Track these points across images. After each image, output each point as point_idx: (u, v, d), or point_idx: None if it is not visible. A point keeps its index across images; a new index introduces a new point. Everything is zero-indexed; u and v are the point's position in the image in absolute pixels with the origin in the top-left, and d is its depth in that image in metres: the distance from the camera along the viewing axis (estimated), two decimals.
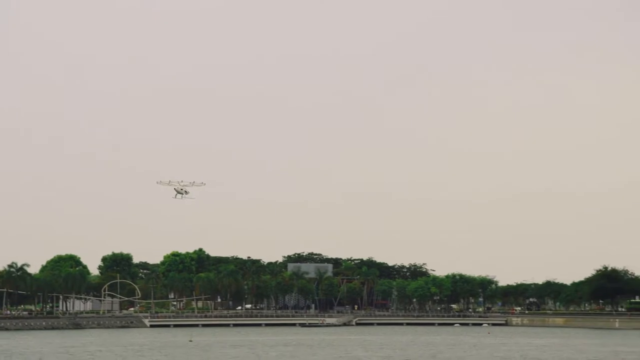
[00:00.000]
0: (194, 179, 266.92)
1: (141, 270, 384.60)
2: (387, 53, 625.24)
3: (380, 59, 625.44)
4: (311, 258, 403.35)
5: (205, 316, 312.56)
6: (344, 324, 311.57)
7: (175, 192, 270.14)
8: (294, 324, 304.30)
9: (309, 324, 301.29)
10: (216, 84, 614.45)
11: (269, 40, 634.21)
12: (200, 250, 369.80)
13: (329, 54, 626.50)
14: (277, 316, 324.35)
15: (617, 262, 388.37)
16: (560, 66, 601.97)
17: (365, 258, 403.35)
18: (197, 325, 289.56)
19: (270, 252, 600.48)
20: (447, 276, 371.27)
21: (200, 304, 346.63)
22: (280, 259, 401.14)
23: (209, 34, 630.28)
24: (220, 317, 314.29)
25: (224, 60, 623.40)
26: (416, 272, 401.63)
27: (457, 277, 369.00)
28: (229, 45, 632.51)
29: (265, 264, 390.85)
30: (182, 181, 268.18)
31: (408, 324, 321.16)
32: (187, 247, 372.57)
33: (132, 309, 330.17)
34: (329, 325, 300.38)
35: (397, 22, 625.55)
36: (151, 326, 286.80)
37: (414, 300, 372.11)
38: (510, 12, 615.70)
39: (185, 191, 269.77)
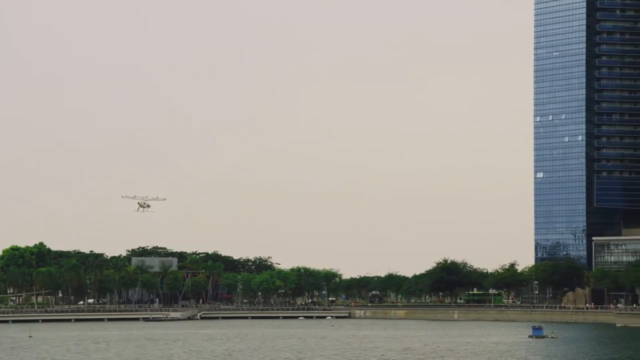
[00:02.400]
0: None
1: None
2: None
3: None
4: (156, 252, 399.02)
5: (46, 311, 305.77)
6: (189, 318, 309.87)
7: (138, 206, 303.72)
8: (137, 319, 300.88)
9: (153, 318, 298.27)
10: None
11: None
12: (41, 244, 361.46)
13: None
14: (120, 311, 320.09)
15: (456, 255, 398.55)
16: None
17: (210, 252, 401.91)
18: (37, 321, 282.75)
19: (113, 246, 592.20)
20: (292, 270, 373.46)
21: (40, 299, 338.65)
22: (124, 253, 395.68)
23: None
24: (62, 312, 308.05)
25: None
26: (261, 266, 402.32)
27: (302, 270, 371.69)
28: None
29: (108, 258, 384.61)
30: (146, 197, 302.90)
31: (253, 317, 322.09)
32: (26, 241, 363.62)
33: None
34: (173, 319, 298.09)
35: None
36: None
37: (259, 293, 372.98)
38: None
39: (147, 205, 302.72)
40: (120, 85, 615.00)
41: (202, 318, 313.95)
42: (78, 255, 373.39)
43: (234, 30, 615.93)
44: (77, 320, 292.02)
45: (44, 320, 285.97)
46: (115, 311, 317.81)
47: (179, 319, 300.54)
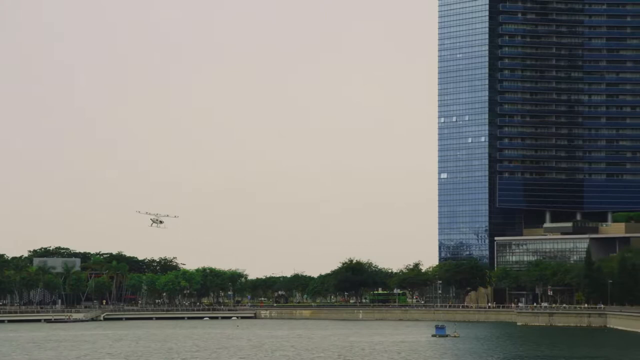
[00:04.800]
0: None
1: None
2: None
3: None
4: (58, 252, 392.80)
5: None
6: (92, 319, 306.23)
7: (151, 222, 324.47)
8: (39, 320, 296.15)
9: (55, 319, 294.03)
10: None
11: None
12: None
13: None
14: (22, 312, 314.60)
15: (362, 255, 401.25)
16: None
17: (114, 252, 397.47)
18: None
19: (14, 247, 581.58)
20: (197, 270, 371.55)
21: None
22: (26, 254, 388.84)
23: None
24: None
25: None
26: (166, 266, 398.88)
27: (208, 270, 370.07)
28: None
29: (9, 258, 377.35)
30: (158, 214, 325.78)
31: (157, 318, 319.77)
32: None
33: None
34: (75, 320, 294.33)
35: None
36: None
37: (164, 294, 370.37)
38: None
39: (160, 221, 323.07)
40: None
41: (105, 319, 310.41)
42: None
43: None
44: None
45: None
46: (16, 312, 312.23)
47: (82, 320, 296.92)
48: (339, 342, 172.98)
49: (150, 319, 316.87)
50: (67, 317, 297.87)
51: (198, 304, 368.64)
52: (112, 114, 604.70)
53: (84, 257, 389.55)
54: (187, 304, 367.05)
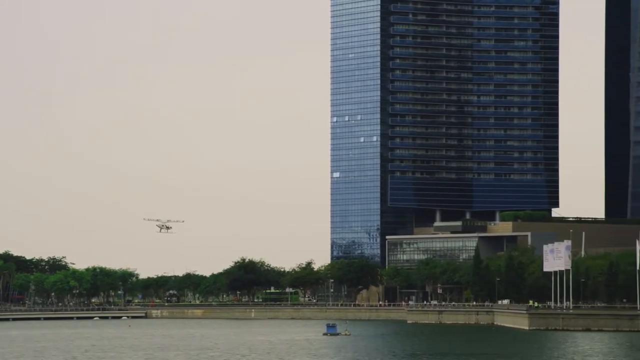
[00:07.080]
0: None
1: None
2: None
3: None
4: None
5: None
6: None
7: (159, 228, 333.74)
8: None
9: None
10: None
11: None
12: None
13: None
14: None
15: (254, 254, 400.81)
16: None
17: (1, 252, 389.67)
18: None
19: None
20: (87, 269, 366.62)
21: None
22: None
23: None
24: None
25: None
26: (55, 266, 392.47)
27: (98, 270, 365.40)
28: None
29: None
30: (159, 219, 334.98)
31: (46, 318, 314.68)
32: None
33: None
34: None
35: None
36: None
37: (53, 294, 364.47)
38: None
39: (168, 227, 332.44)
40: None
41: None
42: None
43: None
44: None
45: None
46: None
47: None
48: (230, 340, 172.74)
49: (39, 319, 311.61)
50: None
51: (88, 303, 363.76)
52: None
53: None
54: (76, 303, 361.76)
